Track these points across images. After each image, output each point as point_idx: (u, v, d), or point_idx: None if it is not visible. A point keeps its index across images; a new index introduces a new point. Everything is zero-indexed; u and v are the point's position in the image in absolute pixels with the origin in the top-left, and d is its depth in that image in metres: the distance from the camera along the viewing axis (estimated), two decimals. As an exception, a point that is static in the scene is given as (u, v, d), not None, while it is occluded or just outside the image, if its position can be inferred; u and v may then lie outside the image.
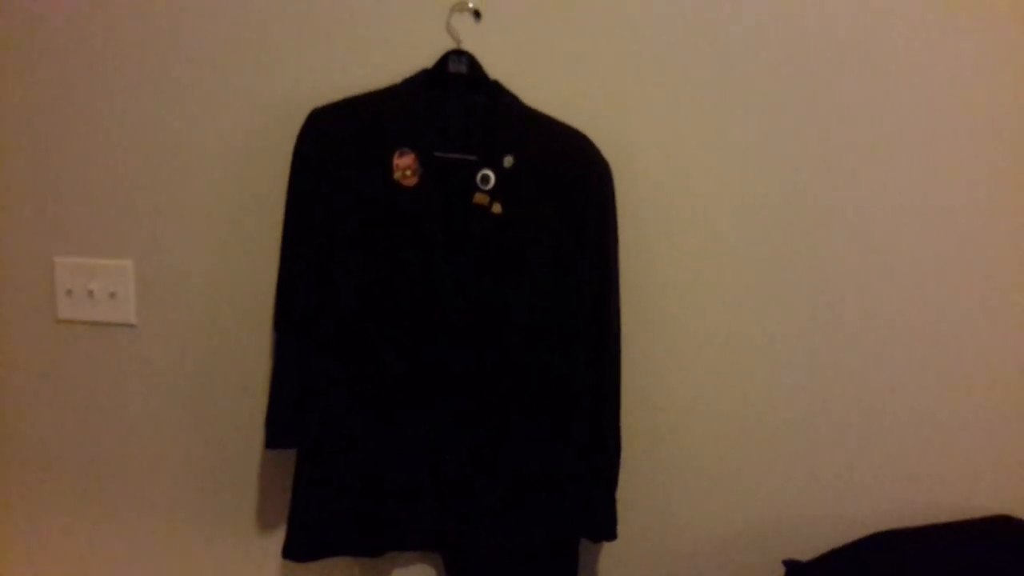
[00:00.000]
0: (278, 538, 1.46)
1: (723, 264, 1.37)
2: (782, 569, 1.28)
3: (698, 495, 1.42)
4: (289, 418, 1.32)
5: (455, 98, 1.30)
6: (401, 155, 1.26)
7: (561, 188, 1.27)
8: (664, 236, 1.37)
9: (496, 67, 1.31)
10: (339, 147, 1.27)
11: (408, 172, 1.27)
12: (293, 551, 1.31)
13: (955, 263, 1.34)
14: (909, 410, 1.37)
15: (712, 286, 1.37)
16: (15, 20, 1.38)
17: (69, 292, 1.43)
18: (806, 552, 1.32)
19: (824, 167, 1.33)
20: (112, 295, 1.42)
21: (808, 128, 1.32)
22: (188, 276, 1.42)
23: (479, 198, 1.27)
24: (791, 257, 1.35)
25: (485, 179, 1.26)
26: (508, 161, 1.26)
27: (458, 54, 1.29)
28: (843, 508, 1.40)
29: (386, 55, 1.34)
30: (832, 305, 1.36)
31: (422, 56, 1.31)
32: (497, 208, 1.27)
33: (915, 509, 1.39)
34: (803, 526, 1.41)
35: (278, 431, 1.32)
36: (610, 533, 1.32)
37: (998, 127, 1.30)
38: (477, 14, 1.31)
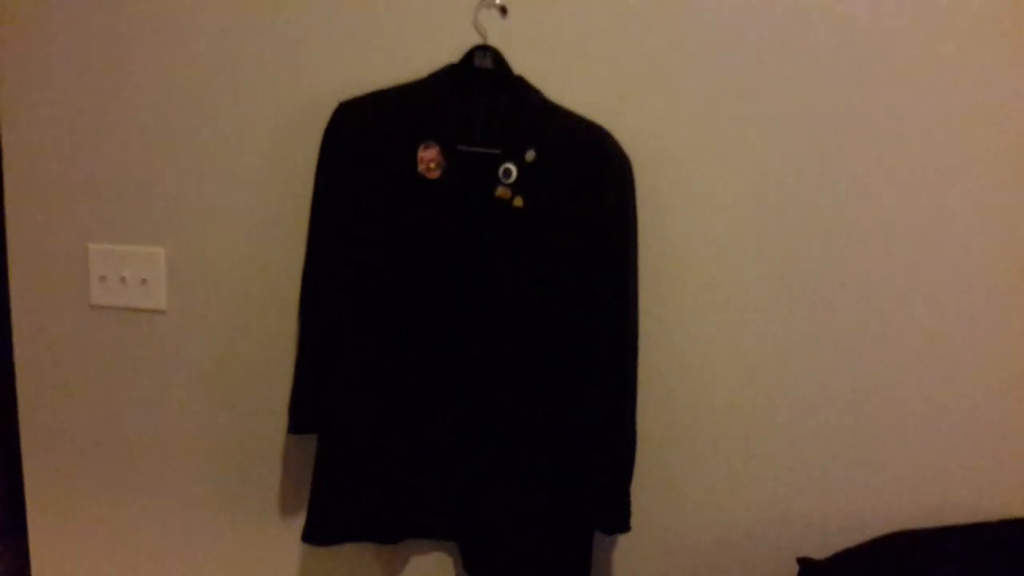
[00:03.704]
0: (300, 523, 1.48)
1: (741, 263, 1.37)
2: (796, 567, 1.28)
3: (712, 491, 1.42)
4: (311, 404, 1.35)
5: (480, 93, 1.31)
6: (426, 148, 1.28)
7: (582, 182, 1.28)
8: (682, 233, 1.37)
9: (521, 63, 1.32)
10: (365, 140, 1.29)
11: (432, 165, 1.28)
12: (312, 535, 1.34)
13: (971, 263, 1.33)
14: (925, 409, 1.37)
15: (730, 284, 1.37)
16: (51, 14, 1.42)
17: (102, 278, 1.46)
18: (820, 551, 1.31)
19: (844, 169, 1.33)
20: (144, 281, 1.45)
21: (832, 129, 1.32)
22: (217, 264, 1.45)
23: (501, 192, 1.28)
24: (808, 259, 1.35)
25: (507, 173, 1.28)
26: (530, 155, 1.28)
27: (484, 49, 1.30)
28: (858, 507, 1.40)
29: (413, 50, 1.36)
30: (849, 307, 1.36)
31: (448, 51, 1.33)
32: (519, 202, 1.28)
33: (931, 510, 1.38)
34: (817, 524, 1.41)
35: (301, 416, 1.35)
36: (624, 526, 1.33)
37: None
38: (504, 10, 1.32)
